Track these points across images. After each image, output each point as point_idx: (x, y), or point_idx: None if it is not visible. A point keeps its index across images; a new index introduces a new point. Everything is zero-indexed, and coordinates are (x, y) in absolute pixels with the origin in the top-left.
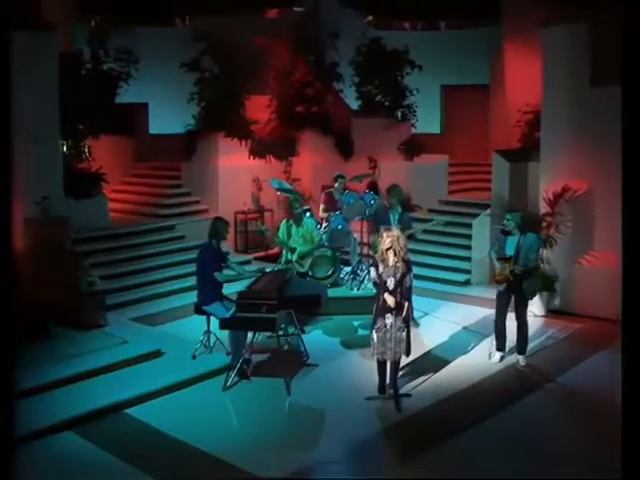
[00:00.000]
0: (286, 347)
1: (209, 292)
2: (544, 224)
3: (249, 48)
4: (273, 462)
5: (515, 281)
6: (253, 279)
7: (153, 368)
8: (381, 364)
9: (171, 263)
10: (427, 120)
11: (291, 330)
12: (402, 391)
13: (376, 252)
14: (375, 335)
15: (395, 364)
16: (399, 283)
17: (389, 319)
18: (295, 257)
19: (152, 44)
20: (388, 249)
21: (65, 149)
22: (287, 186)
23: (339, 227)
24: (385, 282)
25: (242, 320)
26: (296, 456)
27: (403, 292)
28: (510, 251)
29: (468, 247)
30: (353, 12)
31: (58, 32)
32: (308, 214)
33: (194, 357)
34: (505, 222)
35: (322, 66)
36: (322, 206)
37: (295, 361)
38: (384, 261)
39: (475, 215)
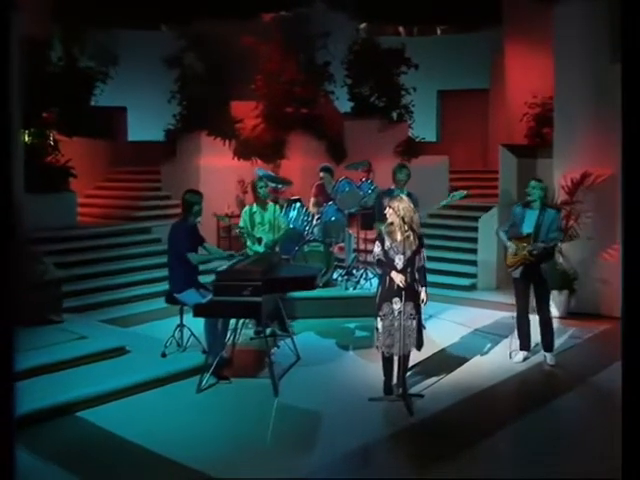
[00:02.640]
0: (274, 349)
1: (182, 277)
2: (562, 213)
3: (235, 46)
4: (257, 472)
5: (533, 263)
6: (235, 261)
7: (115, 366)
8: (387, 359)
9: (144, 266)
10: (423, 127)
11: (279, 330)
12: (412, 391)
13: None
14: (380, 323)
15: (404, 359)
16: (410, 261)
17: (397, 304)
18: (262, 248)
19: (134, 48)
20: (396, 219)
21: (27, 138)
22: (272, 174)
23: (332, 219)
24: (393, 260)
25: (220, 305)
26: (285, 464)
27: (414, 272)
28: (528, 228)
29: (471, 250)
30: (345, 17)
31: (22, 12)
32: (298, 204)
33: (164, 355)
34: (528, 190)
35: (313, 66)
36: (312, 199)
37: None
38: (391, 234)
39: (478, 219)
